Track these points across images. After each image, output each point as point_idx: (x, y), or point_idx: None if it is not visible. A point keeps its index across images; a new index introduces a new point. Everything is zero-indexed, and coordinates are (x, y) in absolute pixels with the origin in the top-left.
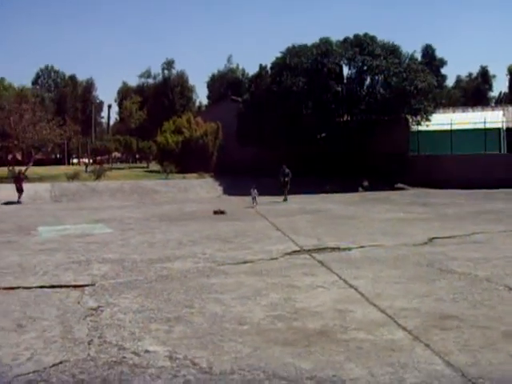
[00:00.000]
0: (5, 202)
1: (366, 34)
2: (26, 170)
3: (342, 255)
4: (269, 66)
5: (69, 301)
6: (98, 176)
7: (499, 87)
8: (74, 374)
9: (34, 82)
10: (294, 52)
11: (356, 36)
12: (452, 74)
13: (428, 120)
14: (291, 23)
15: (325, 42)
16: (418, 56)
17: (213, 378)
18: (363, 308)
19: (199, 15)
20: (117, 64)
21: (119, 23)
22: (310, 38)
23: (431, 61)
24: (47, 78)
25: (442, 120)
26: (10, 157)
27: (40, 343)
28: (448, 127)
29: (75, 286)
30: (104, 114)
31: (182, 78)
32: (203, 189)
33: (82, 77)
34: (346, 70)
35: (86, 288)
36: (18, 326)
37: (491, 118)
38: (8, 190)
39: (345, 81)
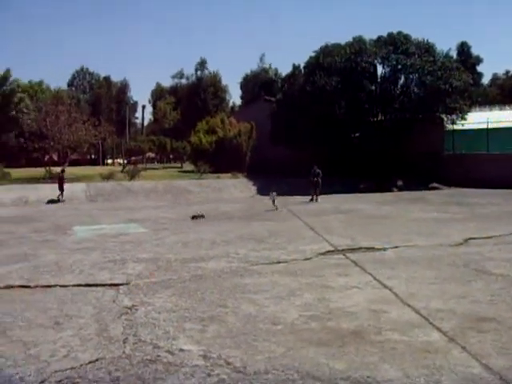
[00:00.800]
0: (48, 201)
1: (399, 33)
2: (62, 172)
3: (376, 255)
4: (302, 65)
5: (104, 299)
6: (133, 176)
7: None
8: (110, 371)
9: (70, 84)
10: (327, 51)
11: (390, 34)
12: (488, 71)
13: (463, 119)
14: (324, 22)
15: (358, 40)
16: (454, 54)
17: (246, 378)
18: (398, 309)
19: (232, 15)
20: (150, 65)
21: (153, 24)
22: (343, 37)
23: (467, 58)
24: (82, 79)
25: (478, 118)
26: (46, 157)
27: (76, 340)
28: (484, 126)
29: (110, 285)
30: (138, 114)
31: (215, 79)
32: (237, 189)
33: (116, 78)
34: (379, 69)
35: (121, 287)
36: (55, 324)
37: None
38: (46, 190)
39: (379, 80)
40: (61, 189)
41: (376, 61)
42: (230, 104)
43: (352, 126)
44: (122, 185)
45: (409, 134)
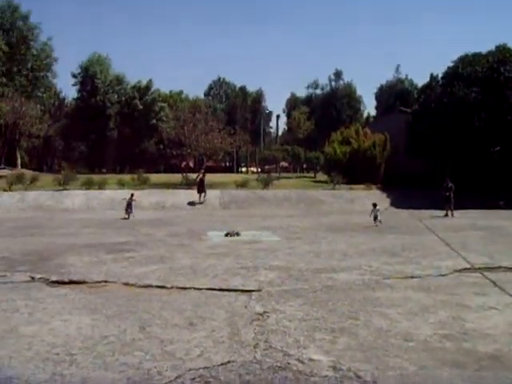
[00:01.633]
0: (189, 202)
1: None
2: (204, 174)
3: None
4: (439, 75)
5: (236, 304)
6: (266, 184)
7: None
8: (241, 374)
9: (207, 94)
10: (466, 61)
11: None
12: None
13: None
14: (462, 32)
15: (501, 49)
16: None
17: None
18: None
19: (366, 25)
20: (285, 75)
21: (287, 35)
22: (483, 47)
23: None
24: (219, 89)
25: None
26: (183, 164)
27: (209, 342)
28: None
29: (243, 291)
30: (272, 124)
31: (349, 89)
32: (370, 200)
33: (251, 88)
34: None
35: (253, 293)
36: (189, 324)
37: None
38: (182, 196)
39: None
40: (201, 191)
41: None
42: (365, 115)
43: (492, 139)
44: (255, 193)
45: None
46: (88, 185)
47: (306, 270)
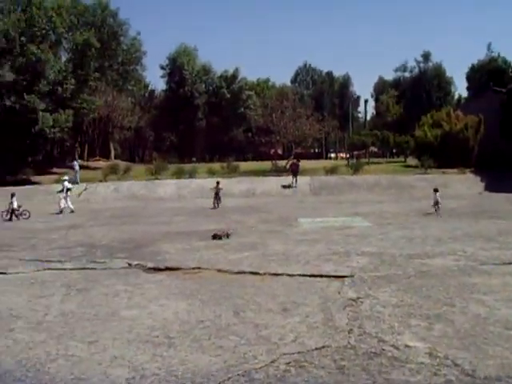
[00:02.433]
0: (282, 185)
1: None
2: (298, 160)
3: None
4: None
5: (329, 290)
6: (356, 170)
7: None
8: (335, 359)
9: (293, 80)
10: None
11: None
12: None
13: None
14: None
15: None
16: None
17: (476, 382)
18: None
19: (454, 4)
20: (373, 59)
21: (374, 18)
22: None
23: None
24: (305, 75)
25: None
26: (272, 151)
27: (303, 327)
28: None
29: (335, 277)
30: (361, 108)
31: (438, 71)
32: (463, 185)
33: (338, 73)
34: None
35: (346, 279)
36: (283, 310)
37: None
38: (272, 183)
39: None
40: (295, 175)
41: None
42: (456, 96)
43: None
44: (344, 178)
45: None
46: (179, 174)
47: (399, 255)
